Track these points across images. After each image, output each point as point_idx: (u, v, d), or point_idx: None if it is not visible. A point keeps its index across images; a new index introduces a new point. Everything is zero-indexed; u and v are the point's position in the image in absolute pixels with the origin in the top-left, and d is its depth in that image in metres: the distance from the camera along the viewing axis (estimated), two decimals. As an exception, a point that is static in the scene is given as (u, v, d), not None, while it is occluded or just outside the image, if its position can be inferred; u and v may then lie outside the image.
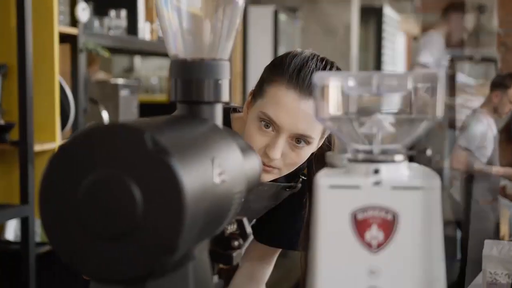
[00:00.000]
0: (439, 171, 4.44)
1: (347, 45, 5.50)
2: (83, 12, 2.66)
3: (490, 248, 1.91)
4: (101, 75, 4.26)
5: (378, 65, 7.32)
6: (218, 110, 0.81)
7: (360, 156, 0.71)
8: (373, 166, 0.69)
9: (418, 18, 9.49)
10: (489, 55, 8.81)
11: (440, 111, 0.68)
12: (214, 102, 0.80)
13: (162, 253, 0.61)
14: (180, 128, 0.70)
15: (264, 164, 1.25)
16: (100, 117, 2.92)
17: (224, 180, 0.70)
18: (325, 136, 1.32)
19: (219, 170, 0.70)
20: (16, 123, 2.39)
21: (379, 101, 0.75)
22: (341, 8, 5.45)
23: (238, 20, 0.85)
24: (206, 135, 0.73)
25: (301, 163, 1.29)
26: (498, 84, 4.39)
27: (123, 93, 3.08)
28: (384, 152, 0.71)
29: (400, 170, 0.70)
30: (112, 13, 3.06)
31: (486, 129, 4.35)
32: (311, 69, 1.23)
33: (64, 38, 2.64)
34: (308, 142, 1.24)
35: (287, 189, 1.40)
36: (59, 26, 2.55)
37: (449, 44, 4.50)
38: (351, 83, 0.70)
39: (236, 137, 0.84)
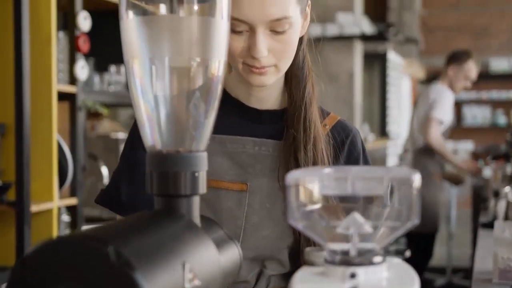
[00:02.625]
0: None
1: (350, 92, 5.51)
2: (82, 70, 2.67)
3: (502, 229, 1.71)
4: (106, 124, 4.26)
5: (383, 110, 7.32)
6: (195, 203, 0.80)
7: (337, 258, 0.69)
8: (350, 270, 0.67)
9: (423, 61, 9.54)
10: (411, 35, 8.85)
11: (416, 215, 0.66)
12: (191, 195, 0.79)
13: None
14: (150, 232, 0.68)
15: (256, 67, 1.13)
16: (100, 174, 2.91)
17: (197, 285, 0.68)
18: (307, 5, 1.20)
19: (190, 275, 0.68)
20: (13, 183, 2.37)
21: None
22: (344, 56, 5.47)
23: (216, 106, 0.83)
24: (178, 236, 0.71)
25: (294, 49, 1.15)
26: (453, 59, 4.42)
27: (124, 147, 3.08)
28: (361, 253, 0.69)
29: (378, 273, 0.68)
30: (113, 68, 3.08)
31: (452, 102, 4.38)
32: None
33: (63, 96, 2.64)
34: (288, 24, 1.12)
35: None
36: (58, 85, 2.56)
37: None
38: (325, 182, 0.69)
39: (213, 229, 0.82)
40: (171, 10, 0.76)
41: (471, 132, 9.98)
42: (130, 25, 0.77)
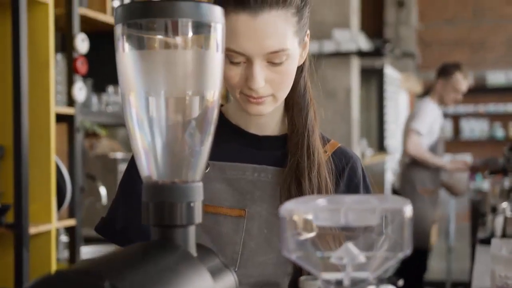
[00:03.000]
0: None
1: (348, 107, 5.52)
2: (80, 91, 2.69)
3: (499, 247, 1.72)
4: (105, 143, 4.27)
5: (380, 125, 7.35)
6: (191, 232, 0.81)
7: (331, 287, 0.70)
8: (344, 301, 0.68)
9: (420, 75, 9.58)
10: (408, 50, 8.90)
11: (408, 245, 0.67)
12: (187, 225, 0.80)
13: None
14: (146, 264, 0.69)
15: (253, 97, 1.14)
16: (98, 194, 2.91)
17: (192, 316, 0.69)
18: (306, 35, 1.19)
19: (186, 306, 0.69)
20: (11, 205, 2.38)
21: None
22: (341, 72, 5.49)
23: (211, 134, 0.84)
24: (174, 268, 0.72)
25: (292, 79, 1.16)
26: (441, 72, 4.42)
27: (122, 167, 3.09)
28: (355, 282, 0.70)
29: (371, 303, 0.69)
30: (110, 89, 3.10)
31: (436, 115, 4.37)
32: None
33: (61, 117, 2.66)
34: (286, 56, 1.12)
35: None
36: (56, 107, 2.57)
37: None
38: (319, 214, 0.70)
39: (209, 258, 0.83)
40: (167, 42, 0.78)
41: (469, 145, 10.00)
42: (126, 58, 0.79)
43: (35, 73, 2.48)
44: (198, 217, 0.80)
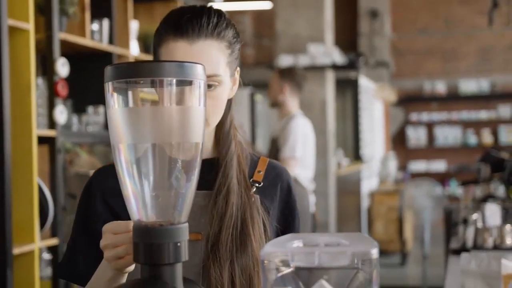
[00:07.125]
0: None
1: (323, 120, 5.62)
2: (61, 114, 2.74)
3: (468, 261, 1.81)
4: (84, 158, 4.29)
5: (356, 134, 7.46)
6: (178, 269, 0.88)
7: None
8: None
9: (394, 84, 9.73)
10: (382, 60, 8.99)
11: (376, 284, 0.75)
12: (174, 263, 0.87)
13: None
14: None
15: None
16: (79, 213, 2.95)
17: None
18: (236, 72, 1.28)
19: None
20: (-5, 227, 2.43)
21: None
22: (316, 85, 5.59)
23: (196, 179, 0.92)
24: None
25: (223, 107, 1.24)
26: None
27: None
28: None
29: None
30: (90, 109, 3.15)
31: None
32: (193, 12, 1.21)
33: (43, 139, 2.71)
34: (218, 82, 1.20)
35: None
36: (38, 129, 2.62)
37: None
38: (295, 256, 0.77)
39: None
40: (152, 99, 0.85)
41: (443, 152, 10.18)
42: (116, 113, 0.86)
43: (17, 97, 2.53)
44: (184, 255, 0.88)
